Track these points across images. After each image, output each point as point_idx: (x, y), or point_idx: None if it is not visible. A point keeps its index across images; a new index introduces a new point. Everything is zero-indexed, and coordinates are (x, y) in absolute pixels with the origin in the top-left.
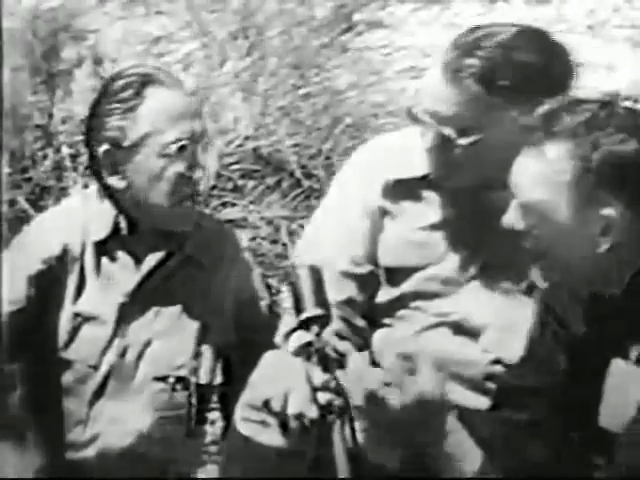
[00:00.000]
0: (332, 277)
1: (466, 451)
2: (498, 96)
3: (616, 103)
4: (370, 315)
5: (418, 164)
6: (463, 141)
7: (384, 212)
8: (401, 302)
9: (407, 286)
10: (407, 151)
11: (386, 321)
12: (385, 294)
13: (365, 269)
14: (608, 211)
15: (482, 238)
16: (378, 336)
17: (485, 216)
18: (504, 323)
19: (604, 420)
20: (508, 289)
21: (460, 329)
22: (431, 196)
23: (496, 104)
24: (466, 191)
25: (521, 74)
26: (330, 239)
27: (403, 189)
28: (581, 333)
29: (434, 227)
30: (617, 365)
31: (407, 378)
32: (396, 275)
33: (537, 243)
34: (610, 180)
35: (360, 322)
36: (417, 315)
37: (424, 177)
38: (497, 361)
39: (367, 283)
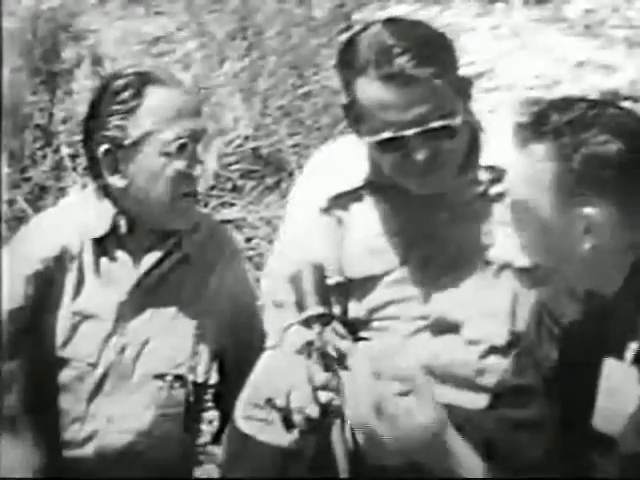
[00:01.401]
0: None
1: (468, 466)
2: (441, 69)
3: (609, 102)
4: (348, 329)
5: (356, 174)
6: (458, 120)
7: (339, 221)
8: (374, 313)
9: (376, 296)
10: (345, 162)
11: (364, 334)
12: (356, 308)
13: (335, 280)
14: (589, 210)
15: (435, 235)
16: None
17: (437, 212)
18: (481, 309)
19: (600, 423)
20: (477, 276)
21: (440, 329)
22: (377, 199)
23: (446, 77)
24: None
25: (435, 45)
26: (298, 253)
27: (348, 197)
28: (574, 329)
29: (388, 230)
30: (610, 366)
31: (402, 410)
32: (363, 285)
33: (525, 240)
34: (592, 180)
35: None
36: (394, 324)
37: (366, 185)
38: (486, 354)
39: (340, 294)
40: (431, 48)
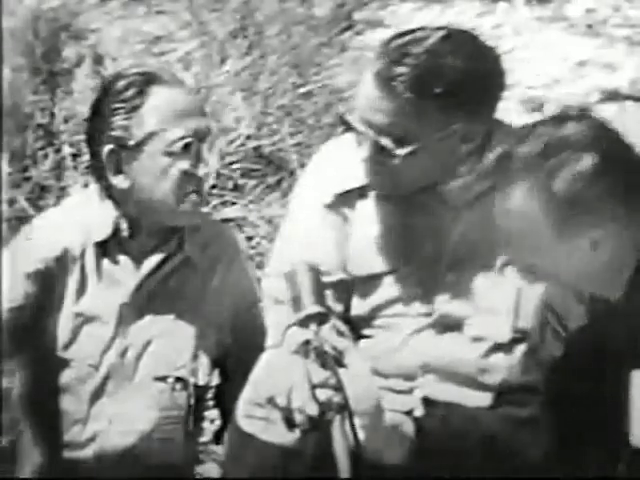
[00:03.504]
0: None
1: None
2: (432, 103)
3: (562, 117)
4: (349, 326)
5: (360, 171)
6: (400, 151)
7: (345, 218)
8: (378, 311)
9: (380, 294)
10: (349, 160)
11: (366, 332)
12: (359, 306)
13: (336, 277)
14: (594, 232)
15: (439, 232)
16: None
17: (435, 212)
18: (484, 306)
19: (638, 439)
20: (478, 277)
21: (444, 327)
22: (381, 197)
23: (431, 111)
24: (397, 196)
25: (452, 79)
26: (299, 251)
27: (355, 194)
28: (580, 331)
29: (392, 229)
30: (638, 377)
31: None
32: (367, 283)
33: (527, 270)
34: (581, 201)
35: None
36: (397, 322)
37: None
38: (489, 352)
39: (341, 291)
40: (442, 83)
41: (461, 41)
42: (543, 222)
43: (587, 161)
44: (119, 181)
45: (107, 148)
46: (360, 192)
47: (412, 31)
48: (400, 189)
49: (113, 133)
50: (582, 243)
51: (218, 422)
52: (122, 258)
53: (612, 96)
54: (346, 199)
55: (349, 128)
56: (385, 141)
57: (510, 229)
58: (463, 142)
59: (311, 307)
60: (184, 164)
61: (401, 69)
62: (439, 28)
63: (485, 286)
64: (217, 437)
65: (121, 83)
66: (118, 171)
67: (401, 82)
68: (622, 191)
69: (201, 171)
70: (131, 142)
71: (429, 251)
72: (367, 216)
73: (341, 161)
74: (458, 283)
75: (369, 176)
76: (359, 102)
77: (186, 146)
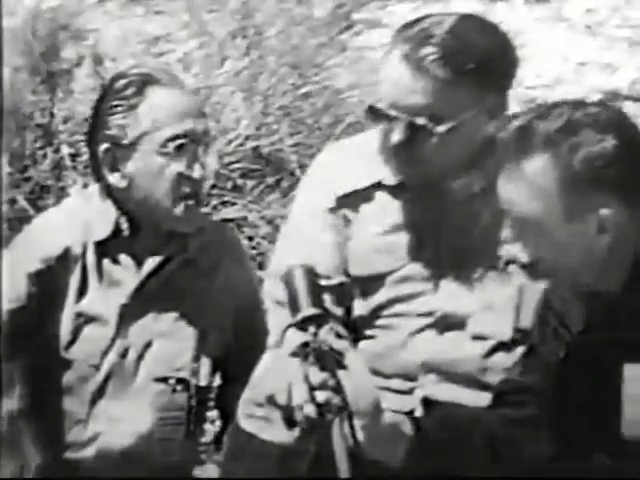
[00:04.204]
0: None
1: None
2: (466, 79)
3: (582, 102)
4: (350, 328)
5: (363, 174)
6: (440, 129)
7: (347, 220)
8: (379, 311)
9: (381, 294)
10: (355, 160)
11: (368, 332)
12: (361, 307)
13: (336, 280)
14: (602, 211)
15: (444, 231)
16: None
17: (444, 208)
18: (486, 305)
19: (627, 430)
20: (482, 275)
21: (445, 326)
22: (385, 198)
23: (465, 87)
24: (423, 187)
25: (480, 55)
26: (298, 253)
27: (357, 197)
28: (580, 330)
29: (397, 228)
30: (631, 370)
31: None
32: (369, 284)
33: (534, 254)
34: (597, 181)
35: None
36: (399, 322)
37: (374, 185)
38: (490, 351)
39: (341, 294)
40: (472, 59)
41: (475, 21)
42: (555, 198)
43: (609, 142)
44: (115, 180)
45: (103, 146)
46: (364, 195)
47: (423, 18)
48: (430, 174)
49: (109, 132)
50: (590, 222)
51: (219, 423)
52: (123, 258)
53: (612, 97)
54: (349, 202)
55: (377, 118)
56: (422, 120)
57: (517, 206)
58: (492, 118)
59: (307, 309)
60: (179, 166)
61: (429, 49)
62: (448, 14)
63: (487, 283)
64: (217, 441)
65: (120, 82)
66: (114, 169)
67: (432, 61)
68: (637, 179)
69: (197, 173)
70: (125, 141)
71: (434, 249)
72: (370, 217)
73: (343, 164)
74: (461, 281)
75: (397, 163)
76: (387, 89)
77: (181, 147)
